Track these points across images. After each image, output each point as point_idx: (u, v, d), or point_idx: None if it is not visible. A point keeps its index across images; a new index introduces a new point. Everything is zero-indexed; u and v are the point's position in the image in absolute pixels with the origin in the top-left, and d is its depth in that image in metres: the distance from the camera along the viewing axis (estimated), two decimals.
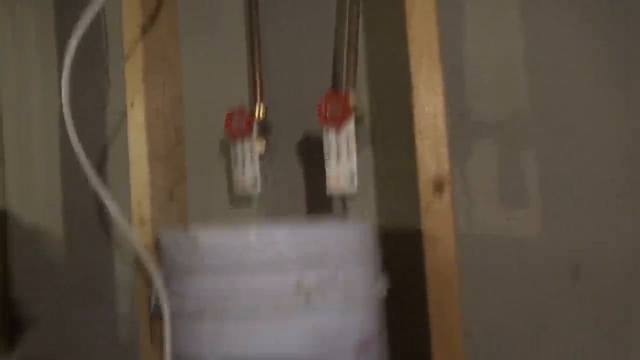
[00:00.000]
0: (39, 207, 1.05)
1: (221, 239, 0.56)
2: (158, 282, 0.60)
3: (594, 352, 0.72)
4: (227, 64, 0.90)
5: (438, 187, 0.60)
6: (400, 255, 0.78)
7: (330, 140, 0.68)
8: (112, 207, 0.59)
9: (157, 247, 0.69)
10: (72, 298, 1.00)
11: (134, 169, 0.74)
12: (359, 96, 0.72)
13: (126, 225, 0.60)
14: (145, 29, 0.75)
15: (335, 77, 0.83)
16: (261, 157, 0.82)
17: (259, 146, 0.78)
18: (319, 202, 0.85)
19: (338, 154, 0.67)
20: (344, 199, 0.70)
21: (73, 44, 0.59)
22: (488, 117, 0.76)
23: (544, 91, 0.74)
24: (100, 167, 0.93)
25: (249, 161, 0.76)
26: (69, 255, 1.01)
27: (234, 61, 0.88)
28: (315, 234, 0.56)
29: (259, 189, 0.77)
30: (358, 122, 0.71)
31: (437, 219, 0.59)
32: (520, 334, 0.76)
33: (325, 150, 0.68)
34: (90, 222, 0.99)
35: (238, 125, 0.75)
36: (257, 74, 0.82)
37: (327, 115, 0.66)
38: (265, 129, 0.82)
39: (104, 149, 0.95)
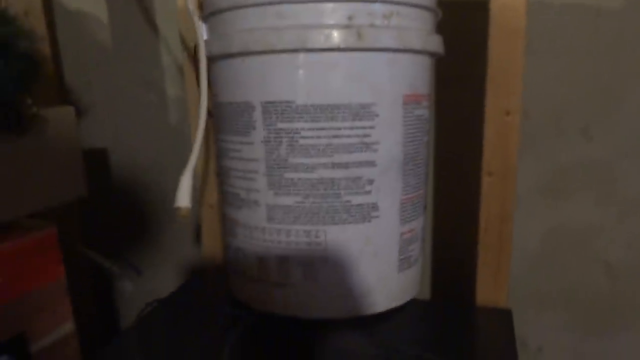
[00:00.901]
0: None
1: None
2: (201, 30, 0.57)
3: None
4: None
5: None
6: (462, 27, 0.72)
7: None
8: None
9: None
10: (123, 85, 1.01)
11: None
12: None
13: None
14: None
15: None
16: None
17: None
18: None
19: None
20: None
21: None
22: None
23: None
24: None
25: None
26: (116, 42, 1.00)
27: None
28: None
29: None
30: None
31: None
32: (585, 114, 0.71)
33: None
34: (134, 5, 0.96)
35: None
36: None
37: None
38: None
39: None
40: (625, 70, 0.68)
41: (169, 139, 0.99)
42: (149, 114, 1.00)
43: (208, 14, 0.57)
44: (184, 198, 0.56)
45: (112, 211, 1.05)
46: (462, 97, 0.75)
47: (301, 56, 0.51)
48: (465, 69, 0.73)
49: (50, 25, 1.00)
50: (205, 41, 0.58)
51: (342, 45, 0.50)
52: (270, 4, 0.51)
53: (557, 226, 0.77)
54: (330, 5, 0.50)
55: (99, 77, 1.02)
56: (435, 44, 0.57)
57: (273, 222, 0.56)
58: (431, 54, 0.58)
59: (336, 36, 0.50)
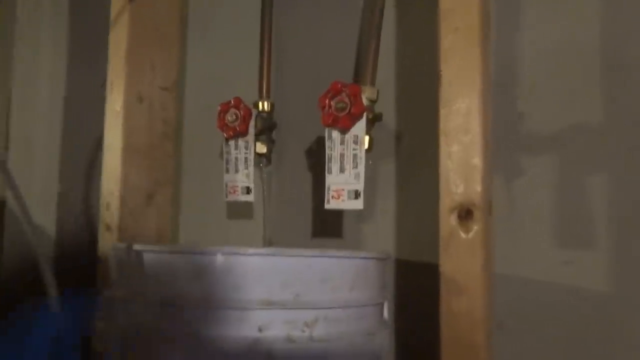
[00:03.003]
0: (35, 203, 0.97)
1: (167, 260, 0.42)
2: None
3: None
4: (238, 54, 0.78)
5: (466, 213, 0.44)
6: (422, 295, 0.61)
7: (334, 142, 0.53)
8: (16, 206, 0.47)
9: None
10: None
11: (106, 163, 0.62)
12: (377, 92, 0.57)
13: (29, 228, 0.48)
14: None
15: (357, 74, 0.70)
16: (265, 160, 0.69)
17: (257, 146, 0.64)
18: (329, 219, 0.70)
19: (341, 161, 0.53)
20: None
21: None
22: (546, 127, 0.60)
23: (622, 96, 0.56)
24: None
25: (243, 162, 0.63)
26: (59, 254, 0.92)
27: (246, 51, 0.76)
28: (293, 264, 0.42)
29: (252, 198, 0.64)
30: (373, 122, 0.56)
31: (461, 258, 0.43)
32: None
33: (327, 155, 0.54)
34: (81, 223, 0.89)
35: (232, 119, 0.62)
36: (265, 64, 0.69)
37: (331, 111, 0.52)
38: (268, 127, 0.68)
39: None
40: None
41: None
42: None
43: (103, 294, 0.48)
44: None
45: None
46: None
47: None
48: None
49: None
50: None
51: None
52: (163, 303, 0.41)
53: None
54: (237, 316, 0.40)
55: (35, 285, 0.93)
56: (379, 344, 0.46)
57: None
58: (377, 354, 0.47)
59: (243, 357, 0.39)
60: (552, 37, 0.59)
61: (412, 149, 0.67)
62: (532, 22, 0.59)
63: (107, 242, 0.61)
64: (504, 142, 0.60)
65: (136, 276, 0.44)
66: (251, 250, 0.41)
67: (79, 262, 0.89)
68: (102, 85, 0.78)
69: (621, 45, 0.56)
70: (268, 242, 0.73)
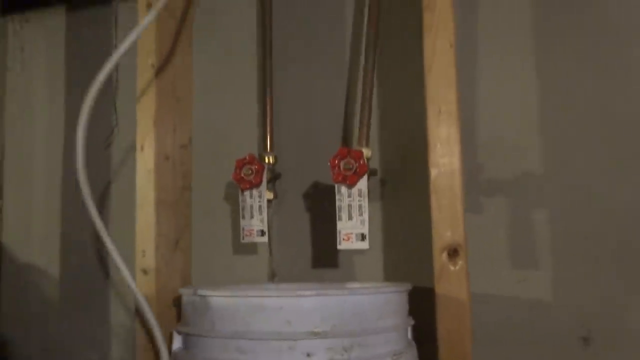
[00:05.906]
0: (35, 243, 1.02)
1: (232, 303, 0.54)
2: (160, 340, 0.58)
3: None
4: (237, 110, 0.89)
5: (453, 252, 0.58)
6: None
7: (343, 195, 0.66)
8: (118, 260, 0.57)
9: (159, 299, 0.67)
10: (64, 342, 0.97)
11: (141, 216, 0.71)
12: (370, 152, 0.71)
13: (131, 280, 0.58)
14: (158, 71, 0.74)
15: (347, 128, 0.83)
16: (269, 205, 0.81)
17: (268, 194, 0.76)
18: (326, 252, 0.83)
19: (349, 210, 0.66)
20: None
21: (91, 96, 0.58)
22: (500, 175, 0.76)
23: (558, 149, 0.74)
24: (101, 209, 0.91)
25: (257, 209, 0.75)
26: (64, 297, 0.98)
27: (245, 107, 0.88)
28: (331, 301, 0.54)
29: (266, 239, 0.75)
30: (369, 177, 0.70)
31: (451, 286, 0.58)
32: None
33: (337, 205, 0.67)
34: (89, 263, 0.96)
35: (248, 173, 0.74)
36: (268, 121, 0.81)
37: (340, 171, 0.65)
38: (273, 177, 0.81)
39: (106, 189, 0.94)
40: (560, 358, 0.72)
41: None
42: None
43: (181, 331, 0.58)
44: None
45: None
46: None
47: None
48: None
49: None
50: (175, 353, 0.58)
51: None
52: (231, 337, 0.52)
53: None
54: (287, 344, 0.52)
55: (38, 332, 0.98)
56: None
57: None
58: None
59: None
60: (500, 106, 0.75)
61: (394, 192, 0.81)
62: (485, 95, 0.75)
63: (144, 285, 0.70)
64: (467, 188, 0.75)
65: (204, 315, 0.55)
66: (298, 292, 0.53)
67: (87, 302, 0.95)
68: (106, 146, 0.88)
69: (553, 109, 0.74)
70: (271, 275, 0.84)
